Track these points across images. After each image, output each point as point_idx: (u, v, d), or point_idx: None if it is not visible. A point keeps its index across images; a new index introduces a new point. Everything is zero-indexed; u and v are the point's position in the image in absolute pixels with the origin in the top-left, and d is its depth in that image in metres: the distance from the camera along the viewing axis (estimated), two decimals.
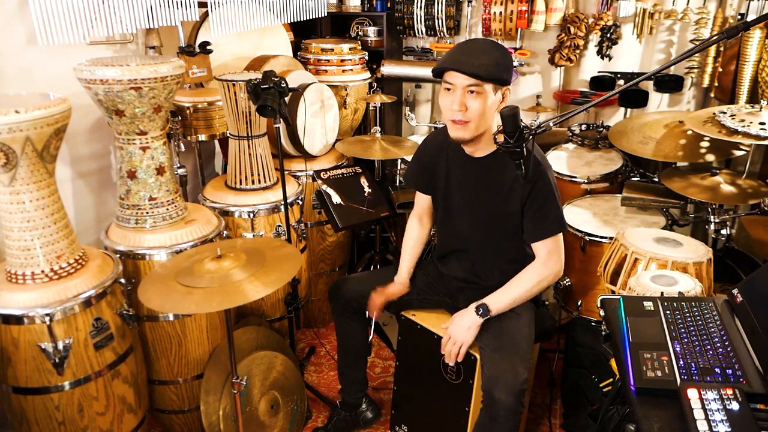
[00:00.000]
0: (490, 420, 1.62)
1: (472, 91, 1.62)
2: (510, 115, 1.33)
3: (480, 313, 1.73)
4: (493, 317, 1.75)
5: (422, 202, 2.06)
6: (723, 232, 2.24)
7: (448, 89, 1.66)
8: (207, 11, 2.40)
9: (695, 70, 2.91)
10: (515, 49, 3.27)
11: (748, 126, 1.97)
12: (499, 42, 3.29)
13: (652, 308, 1.32)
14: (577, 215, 2.35)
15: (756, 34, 2.56)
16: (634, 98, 2.92)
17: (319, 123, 2.69)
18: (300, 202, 2.45)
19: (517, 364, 1.63)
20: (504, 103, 1.69)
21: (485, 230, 1.85)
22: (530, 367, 1.72)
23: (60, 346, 1.57)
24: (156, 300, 1.52)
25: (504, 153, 1.73)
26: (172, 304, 1.53)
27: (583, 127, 2.96)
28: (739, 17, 2.78)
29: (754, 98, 2.63)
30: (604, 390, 1.98)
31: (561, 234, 1.77)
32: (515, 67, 3.27)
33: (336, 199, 2.57)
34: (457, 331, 1.76)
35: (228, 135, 2.31)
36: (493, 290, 1.80)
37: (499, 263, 1.87)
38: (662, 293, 1.47)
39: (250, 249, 1.72)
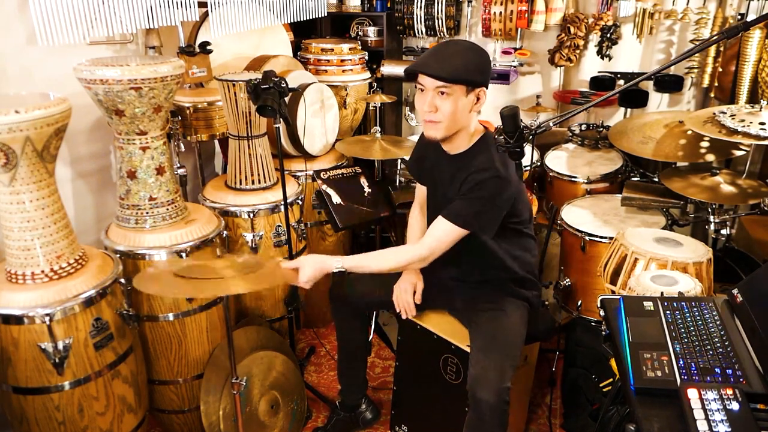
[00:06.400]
0: (477, 419, 1.63)
1: (442, 93, 1.63)
2: (510, 115, 1.33)
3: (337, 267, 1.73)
4: (482, 317, 1.77)
5: (422, 191, 2.06)
6: (723, 232, 2.24)
7: (422, 90, 1.68)
8: (207, 11, 2.40)
9: (695, 70, 2.91)
10: (515, 49, 3.26)
11: (748, 126, 1.97)
12: (488, 43, 3.32)
13: (652, 308, 1.32)
14: (577, 215, 2.35)
15: (756, 34, 2.56)
16: (634, 98, 2.92)
17: (319, 123, 2.69)
18: (300, 202, 2.45)
19: (503, 363, 1.63)
20: (479, 105, 1.70)
21: None
22: (517, 366, 1.71)
23: (60, 346, 1.57)
24: (154, 286, 1.55)
25: (474, 151, 1.75)
26: (169, 288, 1.55)
27: (583, 127, 2.96)
28: (739, 17, 2.78)
29: (754, 98, 2.62)
30: (604, 390, 1.98)
31: (455, 231, 1.69)
32: (514, 67, 3.28)
33: (336, 199, 2.57)
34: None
35: (228, 135, 2.31)
36: (479, 288, 1.83)
37: (470, 261, 1.84)
38: (662, 293, 1.47)
39: (248, 261, 1.72)
